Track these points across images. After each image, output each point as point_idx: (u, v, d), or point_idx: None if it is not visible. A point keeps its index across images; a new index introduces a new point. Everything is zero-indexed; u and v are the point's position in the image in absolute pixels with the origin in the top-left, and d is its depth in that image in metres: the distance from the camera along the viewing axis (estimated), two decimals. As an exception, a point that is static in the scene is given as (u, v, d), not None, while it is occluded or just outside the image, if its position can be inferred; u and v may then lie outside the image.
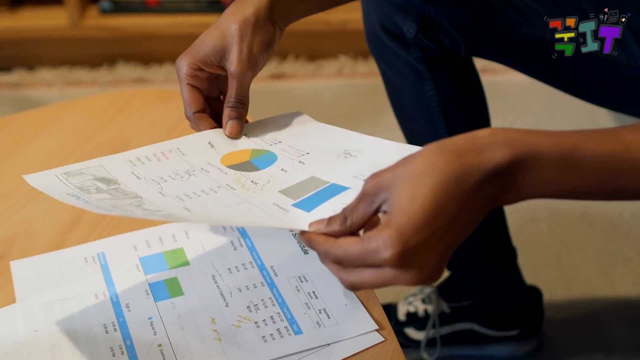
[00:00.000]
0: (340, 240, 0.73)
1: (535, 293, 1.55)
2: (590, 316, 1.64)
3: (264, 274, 0.92)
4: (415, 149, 0.85)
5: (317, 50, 2.54)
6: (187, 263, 0.95)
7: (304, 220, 0.79)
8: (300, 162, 0.91)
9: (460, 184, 0.69)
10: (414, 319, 1.52)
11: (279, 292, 0.90)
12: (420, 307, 1.52)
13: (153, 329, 0.86)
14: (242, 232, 0.98)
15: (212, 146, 0.95)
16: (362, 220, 0.74)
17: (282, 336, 0.85)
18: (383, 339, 0.84)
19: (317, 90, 2.42)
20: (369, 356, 0.83)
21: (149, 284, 0.92)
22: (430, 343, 1.51)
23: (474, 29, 1.16)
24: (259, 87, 2.44)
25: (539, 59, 1.11)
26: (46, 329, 0.87)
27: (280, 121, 1.01)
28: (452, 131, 1.30)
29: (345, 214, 0.75)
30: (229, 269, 0.93)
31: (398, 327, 1.53)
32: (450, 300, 1.51)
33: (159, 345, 0.84)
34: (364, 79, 2.45)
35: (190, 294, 0.90)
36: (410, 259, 0.69)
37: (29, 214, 1.05)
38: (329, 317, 0.86)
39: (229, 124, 0.97)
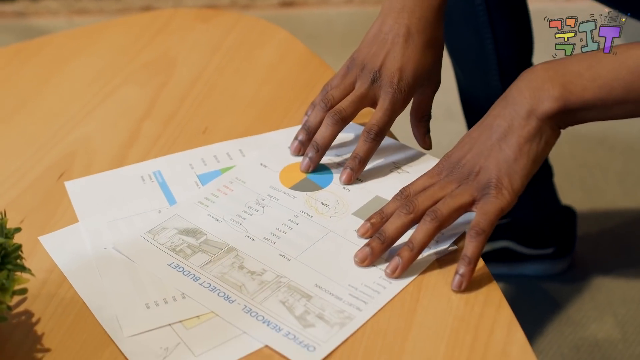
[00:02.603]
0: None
1: (569, 212, 1.57)
2: (619, 236, 1.66)
3: None
4: None
5: (326, -23, 2.52)
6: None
7: (393, 249, 0.83)
8: (357, 178, 0.93)
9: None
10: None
11: None
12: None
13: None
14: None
15: (265, 166, 0.96)
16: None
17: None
18: (456, 247, 0.86)
19: (329, 19, 2.40)
20: (448, 263, 0.84)
21: None
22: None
23: None
24: (269, 15, 2.43)
25: None
26: (128, 253, 0.86)
27: None
28: (498, 42, 1.29)
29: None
30: (286, 185, 0.95)
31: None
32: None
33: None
34: (375, 6, 2.43)
35: None
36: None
37: (85, 132, 1.04)
38: None
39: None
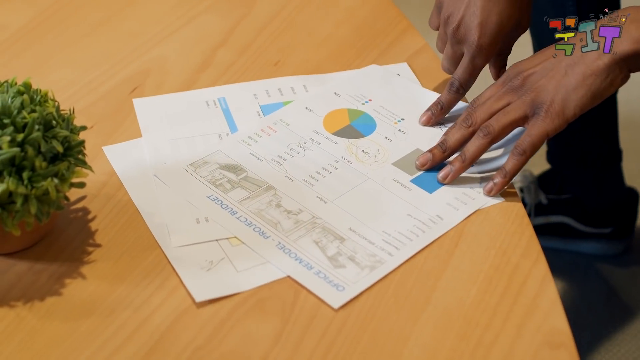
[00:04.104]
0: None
1: (632, 194, 1.56)
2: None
3: None
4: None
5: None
6: None
7: (428, 203, 0.86)
8: (399, 130, 0.95)
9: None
10: (510, 206, 1.54)
11: None
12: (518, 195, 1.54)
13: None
14: None
15: (309, 110, 0.98)
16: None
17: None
18: (502, 199, 0.87)
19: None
20: (492, 214, 0.85)
21: None
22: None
23: None
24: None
25: None
26: (174, 162, 0.90)
27: (361, 75, 1.04)
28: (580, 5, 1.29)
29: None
30: (349, 123, 0.97)
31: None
32: (548, 192, 1.52)
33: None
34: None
35: None
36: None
37: (161, 52, 1.08)
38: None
39: None
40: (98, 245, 0.81)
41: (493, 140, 0.87)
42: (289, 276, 0.78)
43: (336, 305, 0.76)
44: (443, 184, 0.88)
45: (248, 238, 0.82)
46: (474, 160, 0.88)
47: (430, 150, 0.90)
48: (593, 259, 1.57)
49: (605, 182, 1.50)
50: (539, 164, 1.63)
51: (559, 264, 1.56)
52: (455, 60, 0.97)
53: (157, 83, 1.02)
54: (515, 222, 0.85)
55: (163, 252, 0.80)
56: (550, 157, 1.53)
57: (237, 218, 0.84)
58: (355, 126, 0.96)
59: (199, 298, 0.75)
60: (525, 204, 1.53)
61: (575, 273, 1.55)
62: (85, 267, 0.79)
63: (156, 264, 0.79)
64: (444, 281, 0.78)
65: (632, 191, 1.56)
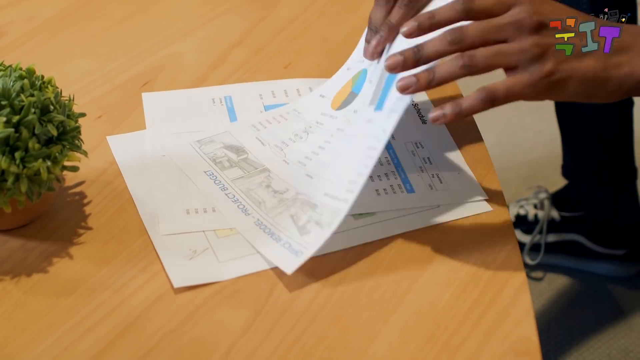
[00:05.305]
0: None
1: (648, 217, 1.55)
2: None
3: None
4: None
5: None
6: None
7: (383, 121, 0.83)
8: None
9: None
10: (523, 222, 1.54)
11: (395, 153, 0.94)
12: (531, 212, 1.54)
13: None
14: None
15: (323, 97, 0.98)
16: None
17: (394, 192, 0.89)
18: (490, 209, 0.87)
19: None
20: (478, 223, 0.86)
21: None
22: (535, 248, 1.53)
23: None
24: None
25: None
26: (173, 154, 0.93)
27: None
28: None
29: None
30: (350, 127, 0.98)
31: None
32: (562, 209, 1.52)
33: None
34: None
35: None
36: None
37: (177, 49, 1.11)
38: (441, 182, 0.90)
39: None
40: (89, 228, 0.84)
41: (470, 73, 0.76)
42: (266, 269, 0.80)
43: (289, 271, 0.77)
44: (387, 93, 0.83)
45: (230, 214, 0.84)
46: (441, 85, 0.77)
47: (401, 53, 0.78)
48: (605, 279, 1.56)
49: (620, 200, 1.50)
50: (560, 181, 1.63)
51: (570, 283, 1.56)
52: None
53: (169, 78, 1.05)
54: (499, 232, 0.86)
55: (150, 239, 0.83)
56: (564, 171, 1.53)
57: (226, 194, 0.86)
58: (354, 90, 0.95)
59: (177, 284, 0.78)
60: (537, 220, 1.53)
61: (586, 293, 1.55)
62: (74, 248, 0.82)
63: (141, 249, 0.82)
64: (420, 284, 0.79)
65: (648, 214, 1.56)
